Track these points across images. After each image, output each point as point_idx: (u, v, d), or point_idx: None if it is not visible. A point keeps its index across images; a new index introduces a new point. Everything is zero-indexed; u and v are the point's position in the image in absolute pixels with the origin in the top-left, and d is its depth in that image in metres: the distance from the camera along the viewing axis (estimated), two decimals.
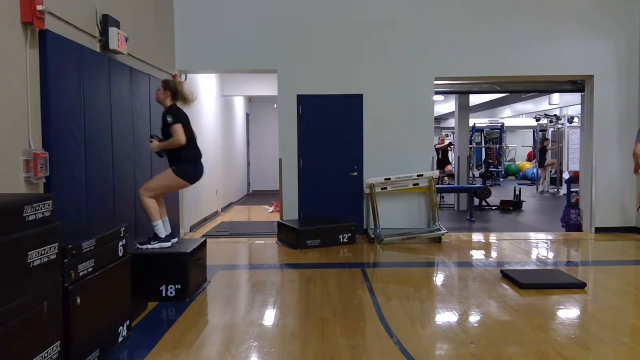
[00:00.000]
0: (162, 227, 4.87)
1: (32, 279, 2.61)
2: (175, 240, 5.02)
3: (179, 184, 5.04)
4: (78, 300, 2.97)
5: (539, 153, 16.28)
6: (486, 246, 7.56)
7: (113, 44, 5.14)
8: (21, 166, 3.81)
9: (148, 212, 4.82)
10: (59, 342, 2.81)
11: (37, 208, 2.69)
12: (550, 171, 15.61)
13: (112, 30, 5.13)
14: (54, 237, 2.79)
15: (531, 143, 21.19)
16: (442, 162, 14.02)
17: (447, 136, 18.10)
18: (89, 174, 4.69)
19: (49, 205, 2.79)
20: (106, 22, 5.10)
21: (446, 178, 13.88)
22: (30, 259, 2.59)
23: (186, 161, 4.86)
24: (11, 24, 3.74)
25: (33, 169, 3.85)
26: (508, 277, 5.22)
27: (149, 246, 4.78)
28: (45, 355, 2.69)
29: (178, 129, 4.70)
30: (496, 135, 19.74)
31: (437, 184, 10.67)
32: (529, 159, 22.29)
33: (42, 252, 2.68)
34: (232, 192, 12.46)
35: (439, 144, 14.11)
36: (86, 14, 4.87)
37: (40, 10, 3.87)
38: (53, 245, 2.77)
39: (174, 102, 4.95)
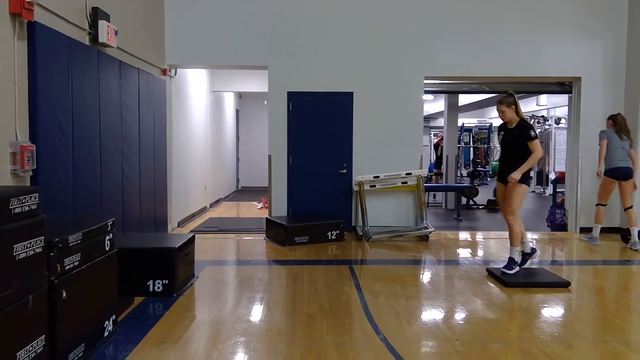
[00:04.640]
0: (517, 252, 5.27)
1: (17, 272, 2.59)
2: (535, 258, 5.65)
3: (526, 190, 5.26)
4: (64, 294, 2.96)
5: None
6: (473, 245, 7.62)
7: (102, 37, 5.10)
8: (8, 159, 3.77)
9: (514, 237, 5.23)
10: (44, 336, 2.80)
11: (24, 201, 2.68)
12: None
13: (102, 24, 5.09)
14: (40, 230, 2.77)
15: None
16: (441, 159, 14.05)
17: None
18: (77, 167, 4.65)
19: (35, 198, 2.78)
20: (96, 15, 5.06)
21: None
22: (15, 251, 2.58)
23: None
24: None
25: (20, 162, 3.82)
26: (494, 275, 5.27)
27: (510, 271, 5.16)
28: (30, 349, 2.68)
29: (539, 143, 5.05)
30: (484, 135, 19.90)
31: (429, 182, 10.69)
32: None
33: (28, 245, 2.67)
34: (220, 188, 12.44)
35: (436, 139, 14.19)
36: (76, 6, 4.82)
37: (29, 1, 3.84)
38: (39, 239, 2.76)
39: (522, 116, 5.22)
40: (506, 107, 5.15)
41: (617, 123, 6.90)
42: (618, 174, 6.78)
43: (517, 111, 5.16)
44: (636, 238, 6.74)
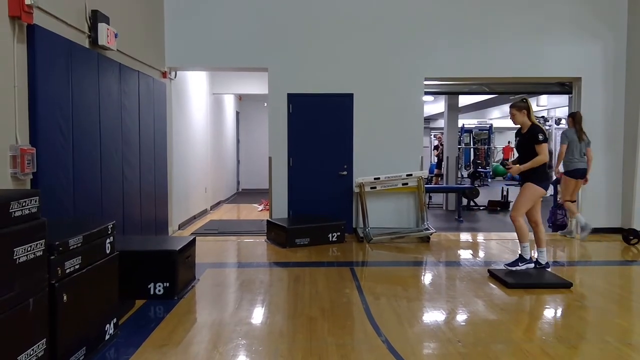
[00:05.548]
0: (529, 249, 5.36)
1: (18, 275, 2.58)
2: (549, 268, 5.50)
3: (540, 194, 5.31)
4: (65, 298, 2.95)
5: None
6: (474, 246, 7.61)
7: (102, 40, 5.10)
8: (8, 162, 3.77)
9: (519, 233, 5.30)
10: (44, 339, 2.79)
11: (24, 204, 2.67)
12: None
13: (102, 26, 5.09)
14: (40, 233, 2.76)
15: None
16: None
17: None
18: (77, 170, 4.65)
19: (35, 201, 2.77)
20: (95, 18, 5.06)
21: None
22: (16, 255, 2.57)
23: (542, 171, 5.22)
24: None
25: (20, 165, 3.81)
26: (495, 276, 5.26)
27: (517, 268, 5.33)
28: (31, 352, 2.67)
29: (546, 148, 5.11)
30: (485, 136, 19.91)
31: (429, 183, 10.65)
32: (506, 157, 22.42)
33: (29, 249, 2.66)
34: (221, 191, 12.43)
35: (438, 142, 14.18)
36: (75, 9, 4.83)
37: (28, 4, 3.84)
38: (39, 242, 2.75)
39: (534, 121, 5.28)
40: (517, 110, 5.29)
41: (576, 121, 7.33)
42: (577, 174, 7.30)
43: (529, 115, 5.25)
44: (583, 221, 7.34)
